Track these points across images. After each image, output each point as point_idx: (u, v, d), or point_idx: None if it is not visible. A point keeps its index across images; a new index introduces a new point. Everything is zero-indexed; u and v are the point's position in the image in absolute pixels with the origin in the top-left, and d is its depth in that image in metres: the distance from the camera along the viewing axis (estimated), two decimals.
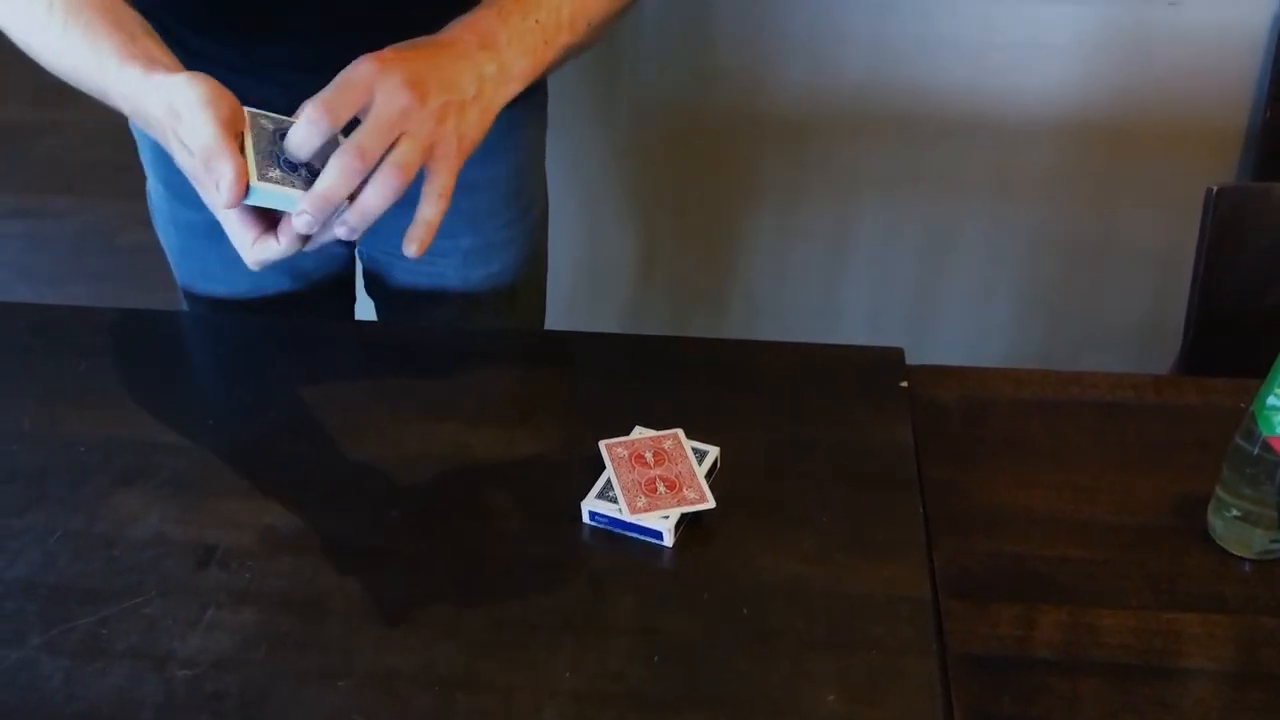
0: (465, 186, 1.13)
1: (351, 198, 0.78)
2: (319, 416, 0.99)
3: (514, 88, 0.86)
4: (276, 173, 0.78)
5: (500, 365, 1.08)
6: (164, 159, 1.12)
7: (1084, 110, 1.66)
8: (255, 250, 0.81)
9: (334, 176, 0.75)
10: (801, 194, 1.81)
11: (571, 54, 0.93)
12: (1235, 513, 0.85)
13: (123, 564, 0.85)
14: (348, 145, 0.76)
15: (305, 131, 0.77)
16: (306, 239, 0.80)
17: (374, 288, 1.27)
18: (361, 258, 1.26)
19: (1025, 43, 1.61)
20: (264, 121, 0.81)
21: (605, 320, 2.00)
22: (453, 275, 1.21)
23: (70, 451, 0.96)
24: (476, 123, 0.82)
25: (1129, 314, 1.78)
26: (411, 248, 0.81)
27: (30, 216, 2.95)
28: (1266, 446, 0.81)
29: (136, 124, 0.86)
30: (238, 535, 0.87)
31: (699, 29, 1.69)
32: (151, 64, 0.83)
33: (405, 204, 1.10)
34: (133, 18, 0.87)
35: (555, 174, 1.80)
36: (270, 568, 0.85)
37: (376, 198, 0.77)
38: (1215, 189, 1.09)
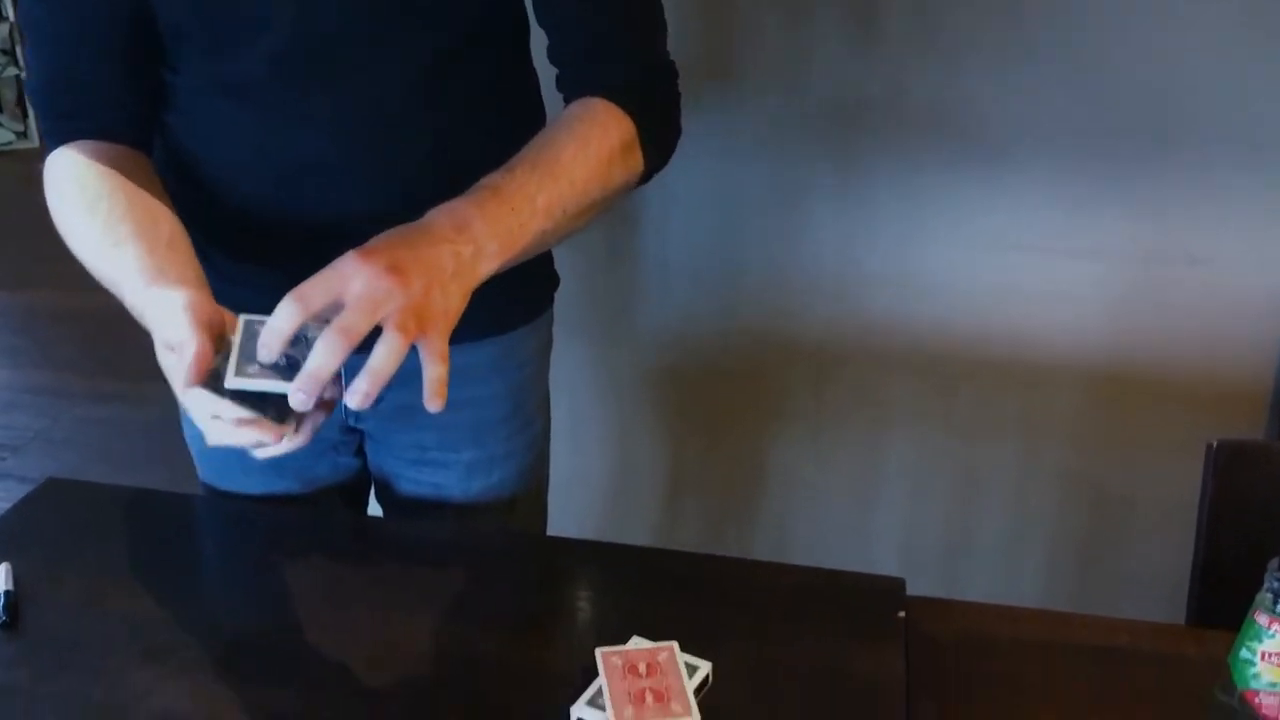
0: (467, 402, 1.21)
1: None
2: (328, 610, 1.05)
3: (490, 265, 0.92)
4: (255, 368, 0.85)
5: (507, 568, 1.13)
6: None
7: (1109, 362, 1.71)
8: (210, 429, 0.88)
9: (322, 354, 0.82)
10: (831, 424, 1.87)
11: (550, 238, 1.00)
12: None
13: None
14: (333, 326, 0.83)
15: (280, 315, 0.84)
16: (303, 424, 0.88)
17: (382, 497, 1.34)
18: (371, 468, 1.32)
19: (1049, 293, 1.69)
20: (256, 326, 0.88)
21: (635, 534, 2.04)
22: (454, 487, 1.27)
23: (104, 625, 1.02)
24: (457, 296, 0.89)
25: (1160, 564, 1.77)
26: (433, 404, 0.85)
27: (118, 401, 3.12)
28: (1241, 700, 0.82)
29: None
30: (246, 717, 0.92)
31: (728, 253, 1.80)
32: (157, 276, 0.93)
33: (407, 417, 1.20)
34: (169, 229, 0.99)
35: (591, 390, 1.90)
36: None
37: (383, 360, 0.83)
38: (1215, 443, 1.12)
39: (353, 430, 1.27)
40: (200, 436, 1.23)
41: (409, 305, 0.84)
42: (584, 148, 1.00)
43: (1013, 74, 1.59)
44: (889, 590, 1.07)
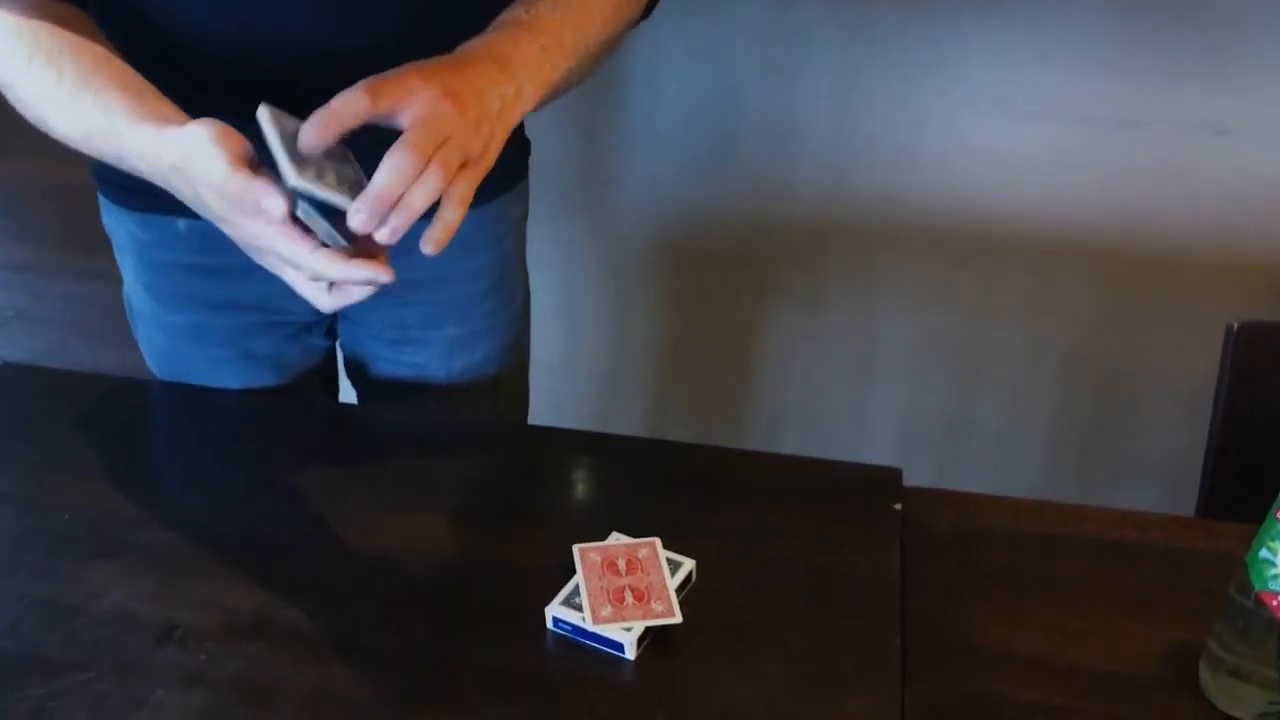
0: (449, 278, 1.16)
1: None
2: (297, 502, 0.99)
3: (524, 109, 0.87)
4: (310, 173, 0.78)
5: (485, 459, 1.07)
6: (147, 265, 1.14)
7: (1125, 238, 1.63)
8: (314, 259, 0.80)
9: (390, 173, 0.76)
10: (827, 302, 1.80)
11: (573, 81, 0.94)
12: (1227, 668, 0.80)
13: (83, 637, 0.85)
14: (401, 145, 0.77)
15: (347, 101, 0.77)
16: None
17: (357, 379, 1.28)
18: (344, 350, 1.27)
19: (1062, 165, 1.60)
20: (288, 123, 0.80)
21: (625, 420, 1.99)
22: (437, 366, 1.22)
23: (54, 520, 0.97)
24: (500, 137, 0.84)
25: (1166, 448, 1.73)
26: (429, 246, 0.80)
27: (101, 278, 3.05)
28: (1258, 601, 0.77)
29: (157, 182, 0.88)
30: (200, 616, 0.87)
31: (720, 122, 1.70)
32: (162, 121, 0.85)
33: (391, 294, 1.13)
34: (139, 80, 0.89)
35: (581, 267, 1.83)
36: (226, 651, 0.84)
37: (422, 197, 0.77)
38: (1236, 325, 1.05)
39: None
40: (164, 341, 1.16)
41: (461, 138, 0.79)
42: None
43: None
44: (885, 481, 1.02)
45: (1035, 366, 1.77)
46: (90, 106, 0.87)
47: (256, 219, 0.80)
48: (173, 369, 1.20)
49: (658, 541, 0.92)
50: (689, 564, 0.90)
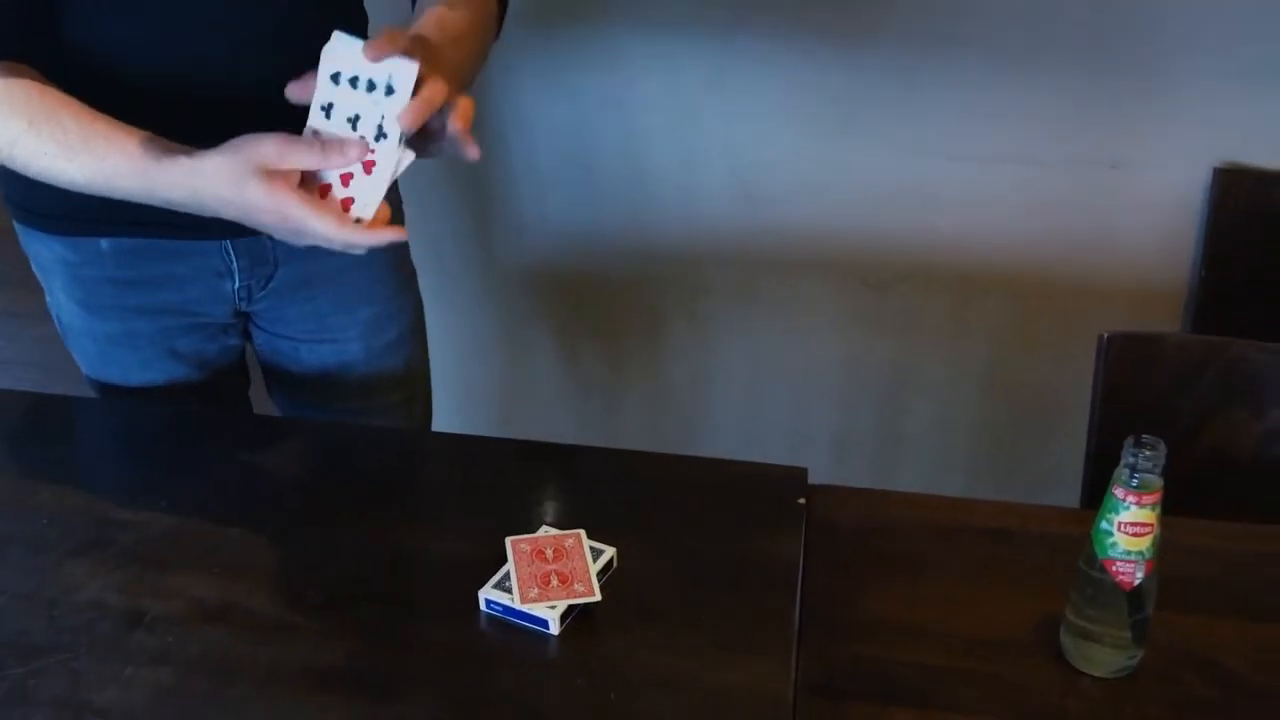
0: (347, 266, 1.29)
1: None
2: (251, 505, 1.10)
3: None
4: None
5: (416, 464, 1.18)
6: (78, 283, 1.24)
7: (1034, 264, 1.76)
8: (345, 234, 0.95)
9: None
10: (760, 325, 1.91)
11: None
12: (1081, 633, 0.91)
13: (60, 624, 0.94)
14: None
15: (436, 88, 0.95)
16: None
17: (276, 378, 1.39)
18: (260, 351, 1.38)
19: (975, 199, 1.72)
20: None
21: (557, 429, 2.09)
22: (356, 347, 1.34)
23: (33, 525, 1.06)
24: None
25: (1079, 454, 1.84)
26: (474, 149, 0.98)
27: None
28: (1100, 568, 0.88)
29: (188, 208, 0.99)
30: (167, 604, 0.96)
31: (629, 158, 1.83)
32: (182, 151, 0.97)
33: (303, 287, 1.29)
34: (93, 111, 1.00)
35: (478, 296, 1.94)
36: (192, 635, 0.94)
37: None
38: (1106, 335, 1.17)
39: (239, 314, 1.31)
40: (95, 348, 1.27)
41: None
42: (468, 22, 1.12)
43: None
44: (791, 479, 1.12)
45: (957, 383, 1.89)
46: (105, 152, 0.98)
47: (310, 227, 0.94)
48: (105, 372, 1.30)
49: (583, 533, 1.01)
50: (610, 551, 1.00)
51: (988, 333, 1.83)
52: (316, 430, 1.29)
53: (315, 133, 0.96)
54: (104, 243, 1.21)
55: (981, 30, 1.61)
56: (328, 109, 0.96)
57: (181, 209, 0.99)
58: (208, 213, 0.98)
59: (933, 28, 1.62)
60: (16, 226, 1.25)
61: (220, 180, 0.94)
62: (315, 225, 0.94)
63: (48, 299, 1.30)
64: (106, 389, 1.30)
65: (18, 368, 2.98)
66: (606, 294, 1.95)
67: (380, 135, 0.95)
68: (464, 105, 0.97)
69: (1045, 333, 1.81)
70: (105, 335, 1.26)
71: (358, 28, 1.23)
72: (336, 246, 0.96)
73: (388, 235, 0.96)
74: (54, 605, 0.96)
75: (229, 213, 0.97)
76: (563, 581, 0.96)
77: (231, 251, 1.23)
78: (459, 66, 1.05)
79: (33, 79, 1.01)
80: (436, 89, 0.95)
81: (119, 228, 1.19)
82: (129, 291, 1.24)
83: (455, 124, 0.97)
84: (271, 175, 0.93)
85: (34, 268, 1.28)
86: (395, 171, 0.96)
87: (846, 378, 1.93)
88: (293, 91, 0.96)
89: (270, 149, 0.93)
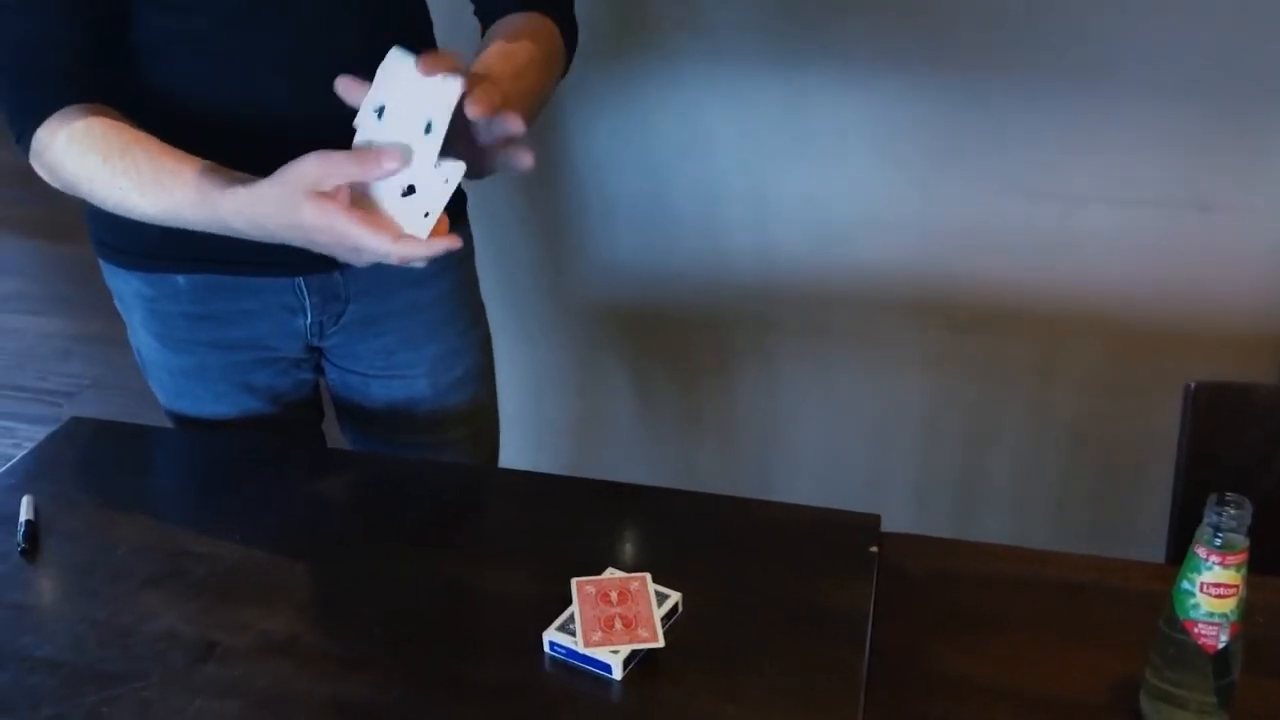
0: (418, 305, 1.33)
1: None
2: (313, 540, 1.11)
3: None
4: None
5: (485, 500, 1.19)
6: (155, 317, 1.28)
7: (1124, 309, 1.71)
8: (400, 248, 0.94)
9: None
10: (839, 369, 1.89)
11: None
12: (1161, 695, 0.87)
13: (135, 653, 0.96)
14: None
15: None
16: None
17: (347, 413, 1.41)
18: (332, 387, 1.40)
19: (1061, 239, 1.69)
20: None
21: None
22: (423, 385, 1.36)
23: (112, 553, 1.08)
24: None
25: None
26: (528, 157, 0.98)
27: None
28: (1182, 629, 0.84)
29: (251, 234, 1.00)
30: (237, 637, 0.98)
31: (708, 194, 1.82)
32: (242, 180, 0.99)
33: (372, 323, 1.33)
34: (195, 158, 1.03)
35: (548, 333, 1.94)
36: (259, 667, 0.95)
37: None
38: (1194, 385, 1.13)
39: (312, 349, 1.34)
40: (171, 382, 1.30)
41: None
42: (536, 54, 1.13)
43: (1025, 18, 1.58)
44: (865, 526, 1.10)
45: (1042, 431, 1.84)
46: (172, 186, 1.01)
47: (366, 244, 0.94)
48: (180, 403, 1.33)
49: (648, 576, 1.01)
50: (675, 596, 0.99)
51: (1075, 379, 1.79)
52: (384, 464, 1.30)
53: (368, 144, 0.96)
54: (180, 279, 1.25)
55: (1071, 66, 1.58)
56: (379, 111, 0.96)
57: (249, 238, 1.01)
58: (274, 239, 0.99)
59: (1016, 62, 1.60)
60: (100, 263, 1.30)
61: (275, 207, 0.96)
62: (370, 242, 0.93)
63: (129, 333, 1.34)
64: (182, 420, 1.33)
65: (113, 391, 3.08)
66: (680, 332, 1.95)
67: (427, 140, 0.94)
68: (514, 113, 0.96)
69: (1135, 381, 1.75)
70: (179, 369, 1.29)
71: (417, 36, 1.24)
72: (394, 261, 0.96)
73: (442, 244, 0.94)
74: (129, 634, 0.98)
75: (291, 237, 0.98)
76: (626, 625, 0.96)
77: (304, 288, 1.26)
78: (520, 97, 1.06)
79: (109, 117, 1.05)
80: (492, 89, 0.93)
81: (195, 264, 1.23)
82: (202, 326, 1.27)
83: (510, 123, 0.95)
84: (322, 197, 0.93)
85: (115, 302, 1.33)
86: (446, 181, 0.95)
87: (927, 422, 1.89)
88: (342, 86, 0.94)
89: (312, 170, 0.93)
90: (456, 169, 0.95)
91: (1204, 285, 1.66)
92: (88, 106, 1.05)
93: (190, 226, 1.03)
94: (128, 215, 1.05)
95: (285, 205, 0.95)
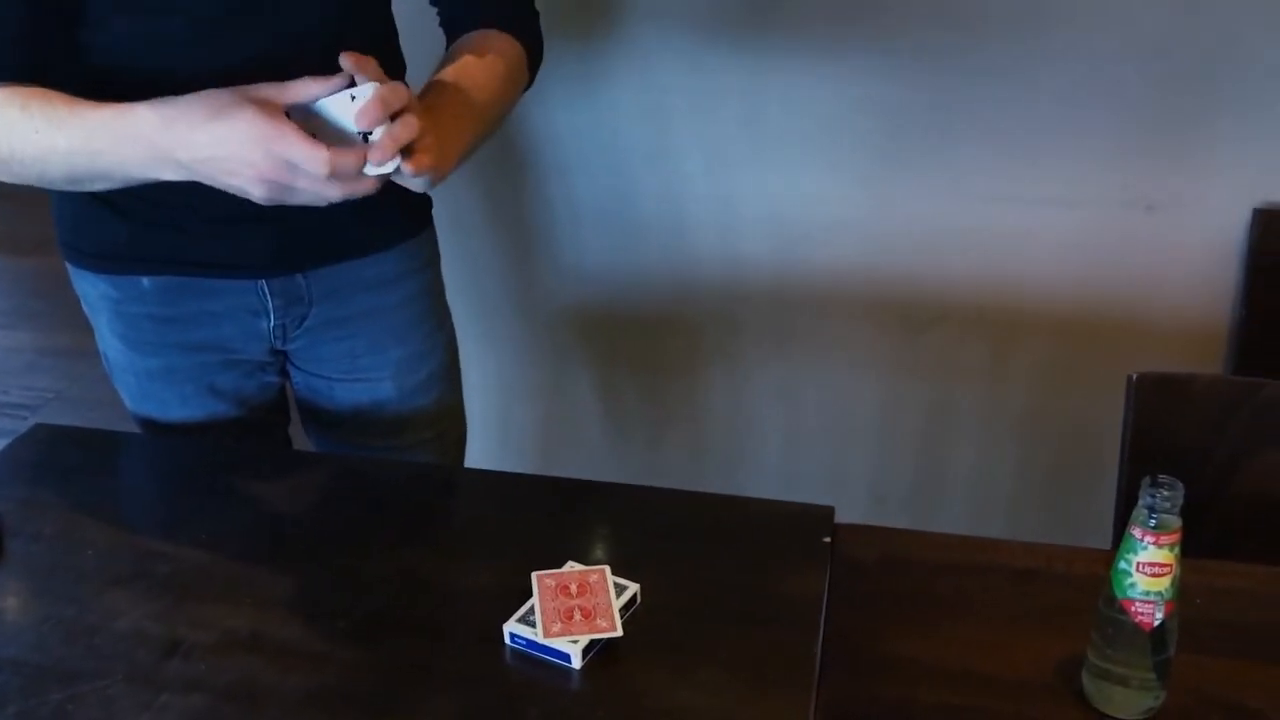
0: (382, 309, 1.35)
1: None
2: (276, 539, 1.13)
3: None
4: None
5: (446, 499, 1.21)
6: (121, 319, 1.29)
7: (1073, 306, 1.75)
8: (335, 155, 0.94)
9: (390, 89, 0.97)
10: (799, 369, 1.92)
11: (479, 142, 1.15)
12: (1102, 674, 0.91)
13: (100, 651, 0.98)
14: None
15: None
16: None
17: (312, 416, 1.42)
18: (297, 390, 1.41)
19: (1013, 240, 1.73)
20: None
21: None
22: (389, 387, 1.38)
23: (79, 555, 1.10)
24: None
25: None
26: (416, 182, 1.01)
27: None
28: (1120, 608, 0.88)
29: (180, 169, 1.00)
30: (202, 633, 0.99)
31: (668, 201, 1.85)
32: (143, 105, 0.98)
33: (337, 326, 1.34)
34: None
35: (515, 337, 1.96)
36: (225, 663, 0.96)
37: (401, 128, 0.96)
38: (1135, 376, 1.17)
39: (277, 353, 1.35)
40: (138, 384, 1.32)
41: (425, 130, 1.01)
42: (497, 69, 1.17)
43: (974, 26, 1.62)
44: (819, 517, 1.13)
45: (996, 425, 1.88)
46: (88, 111, 1.00)
47: (300, 155, 0.94)
48: (146, 406, 1.34)
49: (607, 569, 1.03)
50: (634, 588, 1.02)
51: (1026, 375, 1.83)
52: (349, 465, 1.32)
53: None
54: (145, 281, 1.26)
55: (1019, 72, 1.62)
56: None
57: (147, 164, 0.99)
58: (169, 166, 0.98)
59: (969, 68, 1.64)
60: (67, 266, 1.30)
61: (199, 107, 0.94)
62: (304, 151, 0.93)
63: (96, 337, 1.35)
64: (149, 424, 1.34)
65: (79, 404, 3.08)
66: (645, 333, 1.97)
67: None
68: (406, 121, 0.97)
69: (1085, 375, 1.79)
70: (146, 371, 1.31)
71: (384, 45, 1.27)
72: (329, 189, 0.95)
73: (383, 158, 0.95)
74: (94, 633, 1.00)
75: (199, 156, 0.96)
76: (586, 616, 0.98)
77: (267, 290, 1.27)
78: (475, 109, 1.08)
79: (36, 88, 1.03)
80: (395, 91, 0.95)
81: (159, 265, 1.24)
82: (168, 328, 1.28)
83: (390, 137, 0.96)
84: (265, 103, 0.93)
85: (83, 306, 1.33)
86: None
87: (884, 419, 1.93)
88: (350, 59, 0.97)
89: (267, 88, 0.94)
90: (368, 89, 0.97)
91: (1150, 282, 1.71)
92: (16, 89, 1.03)
93: (102, 159, 1.01)
94: (46, 169, 1.03)
95: (213, 107, 0.94)
